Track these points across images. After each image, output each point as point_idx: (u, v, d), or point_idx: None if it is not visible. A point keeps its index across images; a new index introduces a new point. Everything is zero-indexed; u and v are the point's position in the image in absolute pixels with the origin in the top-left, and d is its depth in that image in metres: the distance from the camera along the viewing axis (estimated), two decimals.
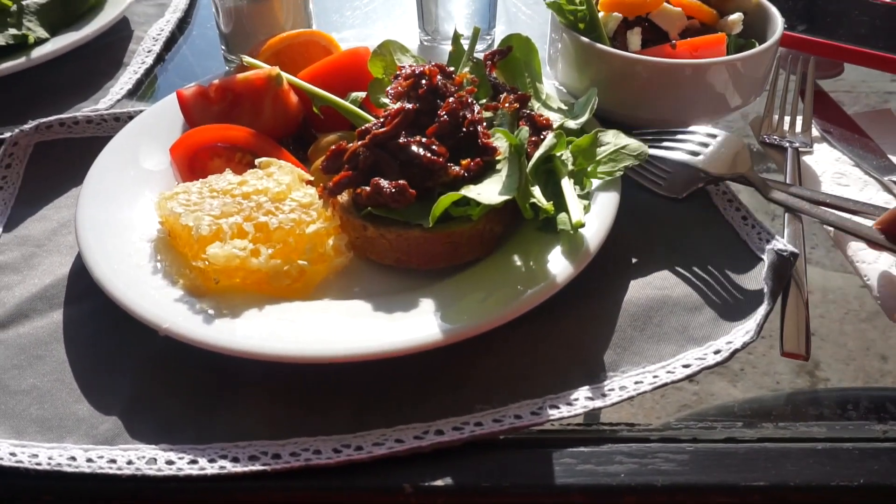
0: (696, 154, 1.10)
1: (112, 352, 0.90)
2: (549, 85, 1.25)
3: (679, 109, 1.19)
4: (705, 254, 1.03)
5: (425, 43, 1.45)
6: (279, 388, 0.85)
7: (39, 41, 1.37)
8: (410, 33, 1.50)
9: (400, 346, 0.83)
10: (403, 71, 1.09)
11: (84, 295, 0.97)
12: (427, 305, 0.89)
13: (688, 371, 0.87)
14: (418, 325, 0.86)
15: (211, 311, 0.87)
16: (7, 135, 1.22)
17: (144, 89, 1.40)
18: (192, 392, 0.85)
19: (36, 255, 1.04)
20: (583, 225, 0.91)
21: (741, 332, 0.90)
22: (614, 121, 1.20)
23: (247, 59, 1.16)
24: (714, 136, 1.10)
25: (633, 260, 1.02)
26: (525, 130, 0.96)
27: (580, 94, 1.23)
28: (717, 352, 0.88)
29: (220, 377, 0.86)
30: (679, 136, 1.16)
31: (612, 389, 0.85)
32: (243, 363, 0.84)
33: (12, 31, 1.34)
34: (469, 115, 1.01)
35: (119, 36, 1.52)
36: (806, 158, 1.21)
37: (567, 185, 0.97)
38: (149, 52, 1.48)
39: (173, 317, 0.86)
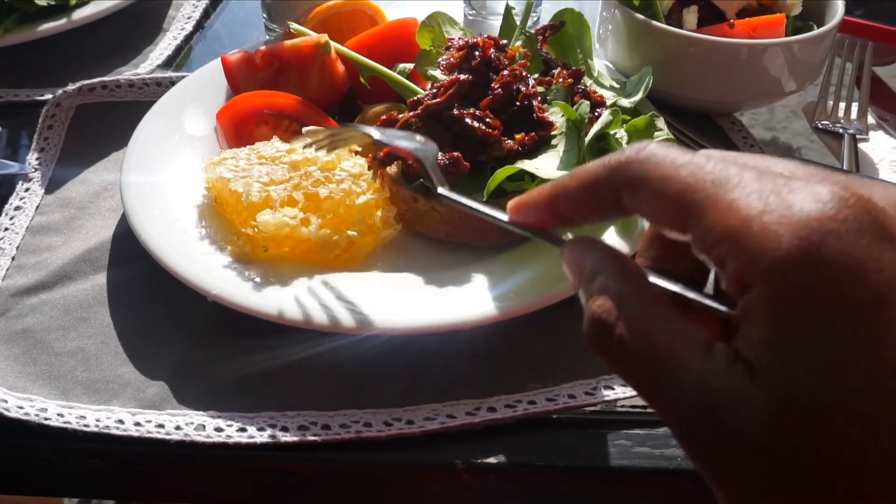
0: None
1: (157, 317, 0.89)
2: (600, 62, 1.22)
3: (732, 92, 1.16)
4: None
5: (470, 17, 1.43)
6: (329, 359, 0.83)
7: (81, 3, 1.35)
8: (455, 6, 1.47)
9: (452, 321, 0.81)
10: (455, 42, 1.07)
11: (128, 259, 0.95)
12: (479, 281, 0.87)
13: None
14: (470, 300, 0.84)
15: (259, 280, 0.86)
16: (49, 96, 1.20)
17: (183, 56, 1.38)
18: (240, 360, 0.84)
19: (78, 217, 1.03)
20: None
21: None
22: (664, 101, 1.18)
23: (294, 26, 1.14)
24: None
25: None
26: (585, 105, 0.94)
27: (631, 72, 1.20)
28: None
29: (268, 346, 0.84)
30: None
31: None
32: (292, 332, 0.83)
33: None
34: (523, 89, 0.99)
35: (158, 1, 1.49)
36: (862, 146, 1.18)
37: None
38: (188, 18, 1.46)
39: (222, 283, 0.84)
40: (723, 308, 0.42)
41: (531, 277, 0.87)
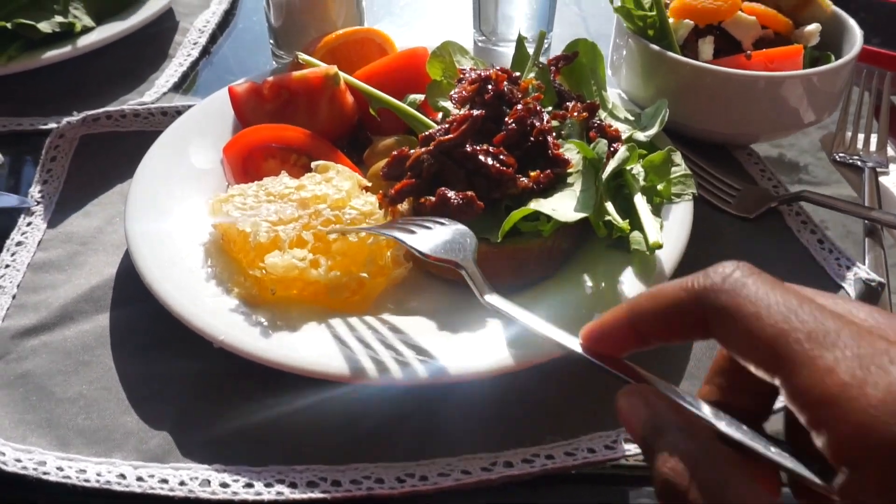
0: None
1: (161, 361, 0.86)
2: (612, 91, 1.19)
3: (749, 124, 1.14)
4: (784, 275, 0.97)
5: (480, 44, 1.41)
6: (339, 409, 0.80)
7: (85, 30, 1.33)
8: (464, 33, 1.45)
9: (468, 372, 0.78)
10: (467, 74, 1.04)
11: (132, 298, 0.93)
12: (494, 326, 0.85)
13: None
14: (486, 348, 0.81)
15: (267, 324, 0.83)
16: (53, 125, 1.18)
17: (190, 83, 1.36)
18: (246, 408, 0.81)
19: (81, 253, 1.01)
20: (660, 246, 0.86)
21: None
22: (679, 133, 1.15)
23: (303, 56, 1.12)
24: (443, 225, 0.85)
25: None
26: (603, 143, 0.91)
27: (645, 102, 1.18)
28: None
29: (276, 393, 0.82)
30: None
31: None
32: (301, 380, 0.80)
33: (59, 18, 1.30)
34: (538, 124, 0.96)
35: (164, 27, 1.48)
36: (883, 179, 1.15)
37: (641, 202, 0.92)
38: (194, 44, 1.44)
39: (228, 328, 0.82)
40: (818, 481, 0.40)
41: (550, 322, 0.84)
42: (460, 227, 0.81)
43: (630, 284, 0.88)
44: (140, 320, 0.91)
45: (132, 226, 0.93)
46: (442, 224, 0.81)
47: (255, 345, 0.80)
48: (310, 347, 0.80)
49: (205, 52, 1.45)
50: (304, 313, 0.86)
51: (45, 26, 1.28)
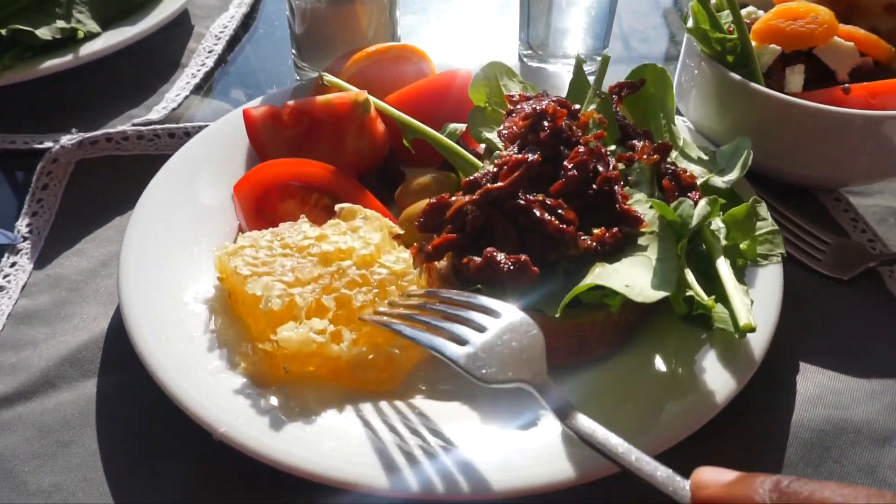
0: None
1: (154, 443, 0.73)
2: (681, 125, 1.04)
3: (841, 167, 0.98)
4: (887, 358, 0.82)
5: (525, 60, 1.25)
6: None
7: (89, 36, 1.20)
8: (508, 44, 1.30)
9: (517, 486, 0.64)
10: (518, 107, 0.90)
11: (123, 361, 0.80)
12: (546, 420, 0.70)
13: None
14: (540, 449, 0.67)
15: (278, 412, 0.69)
16: (49, 144, 1.05)
17: (203, 95, 1.23)
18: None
19: (70, 301, 0.88)
20: (753, 329, 0.71)
21: None
22: (756, 173, 1.00)
23: (329, 77, 0.98)
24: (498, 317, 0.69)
25: (800, 364, 0.82)
26: (688, 205, 0.76)
27: (716, 136, 1.03)
28: None
29: (285, 490, 0.68)
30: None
31: None
32: (317, 484, 0.66)
33: (60, 23, 1.17)
34: (602, 169, 0.82)
35: (178, 31, 1.34)
36: None
37: (726, 269, 0.77)
38: (210, 52, 1.30)
39: (231, 416, 0.68)
40: None
41: (613, 419, 0.70)
42: (520, 318, 0.66)
43: (713, 371, 0.73)
44: (131, 389, 0.78)
45: (126, 279, 0.80)
46: (496, 315, 0.66)
47: (262, 441, 0.67)
48: (329, 446, 0.67)
49: (221, 60, 1.31)
50: (322, 396, 0.72)
51: (44, 32, 1.15)
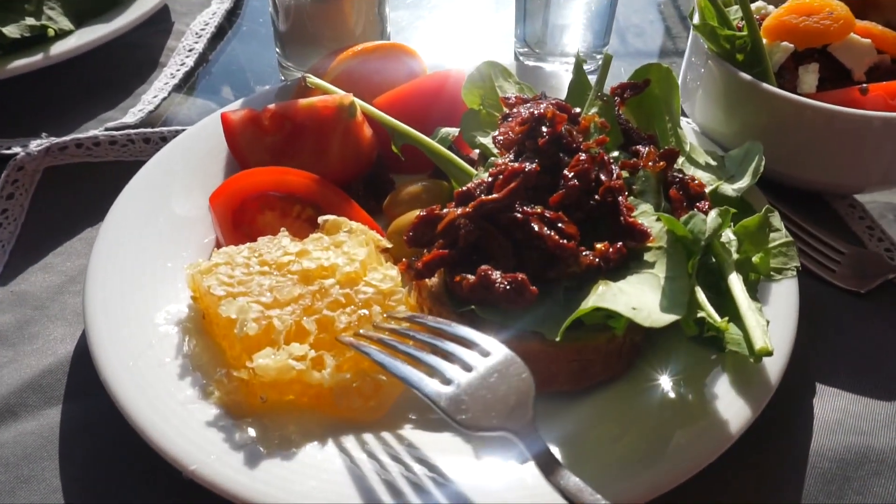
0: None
1: (121, 478, 0.68)
2: (687, 128, 0.98)
3: (857, 172, 0.93)
4: None
5: (522, 58, 1.20)
6: None
7: (62, 34, 1.14)
8: (503, 42, 1.25)
9: None
10: (515, 110, 0.84)
11: (89, 387, 0.74)
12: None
13: None
14: (535, 485, 0.61)
15: (254, 445, 0.64)
16: (16, 151, 0.99)
17: (183, 96, 1.17)
18: None
19: (34, 321, 0.82)
20: (770, 353, 0.65)
21: None
22: (764, 177, 0.94)
23: (312, 79, 0.92)
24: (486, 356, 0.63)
25: (817, 386, 0.76)
26: (701, 220, 0.70)
27: (724, 139, 0.97)
28: None
29: None
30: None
31: None
32: None
33: (30, 20, 1.11)
34: (605, 178, 0.76)
35: (157, 29, 1.28)
36: None
37: (739, 289, 0.71)
38: (190, 50, 1.24)
39: (202, 452, 0.63)
40: None
41: (617, 451, 0.65)
42: (510, 358, 0.60)
43: (725, 397, 0.68)
44: (97, 419, 0.72)
45: (92, 299, 0.74)
46: (485, 353, 0.61)
47: (238, 479, 0.61)
48: (310, 485, 0.61)
49: (202, 59, 1.25)
50: (303, 427, 0.66)
51: (12, 30, 1.08)
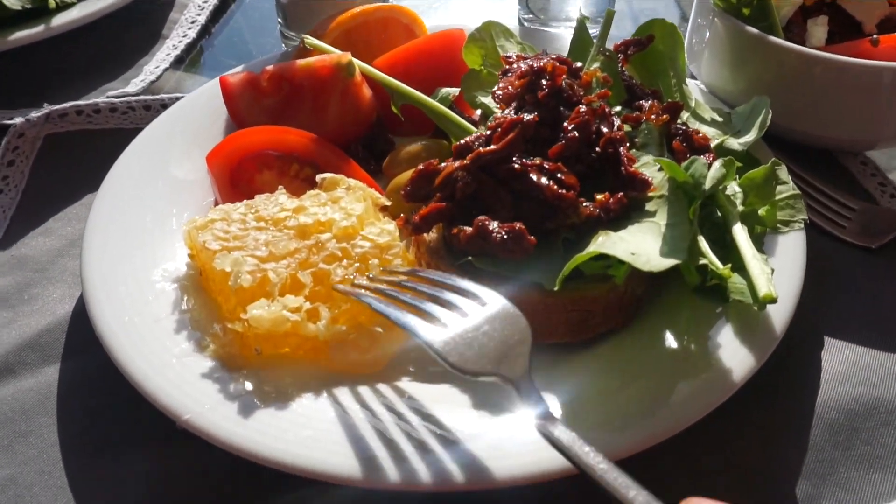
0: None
1: (117, 433, 0.68)
2: (693, 86, 0.96)
3: (868, 127, 0.90)
4: None
5: (526, 24, 1.18)
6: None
7: (63, 5, 1.14)
8: (507, 10, 1.23)
9: (512, 475, 0.58)
10: (515, 65, 0.83)
11: (87, 345, 0.73)
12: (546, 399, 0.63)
13: None
14: (535, 437, 0.60)
15: (249, 397, 0.63)
16: (15, 120, 0.99)
17: (185, 68, 1.16)
18: (220, 498, 0.62)
19: (34, 283, 0.82)
20: (774, 300, 0.63)
21: None
22: (776, 136, 0.92)
23: (310, 40, 0.91)
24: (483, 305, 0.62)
25: (825, 339, 0.75)
26: (702, 164, 0.69)
27: (732, 98, 0.95)
28: None
29: (259, 482, 0.63)
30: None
31: None
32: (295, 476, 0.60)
33: None
34: (606, 130, 0.74)
35: (159, 2, 1.28)
36: None
37: (743, 237, 0.69)
38: (192, 22, 1.24)
39: (196, 402, 0.62)
40: None
41: (618, 401, 0.63)
42: (508, 308, 0.59)
43: (729, 347, 0.66)
44: (94, 374, 0.72)
45: (89, 258, 0.74)
46: (482, 302, 0.60)
47: (230, 429, 0.60)
48: (303, 435, 0.60)
49: (204, 31, 1.24)
50: (298, 380, 0.66)
51: (13, 2, 1.09)
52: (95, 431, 0.68)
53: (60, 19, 1.12)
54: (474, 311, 0.60)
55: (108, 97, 1.02)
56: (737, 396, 0.64)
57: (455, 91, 0.90)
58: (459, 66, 0.91)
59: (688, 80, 0.93)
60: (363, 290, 0.65)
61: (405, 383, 0.68)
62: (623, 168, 0.72)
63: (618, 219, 0.70)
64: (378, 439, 0.60)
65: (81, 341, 0.75)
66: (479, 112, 0.90)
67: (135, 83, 1.09)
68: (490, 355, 0.57)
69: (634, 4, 1.35)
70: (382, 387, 0.67)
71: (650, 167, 0.73)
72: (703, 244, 0.68)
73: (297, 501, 0.62)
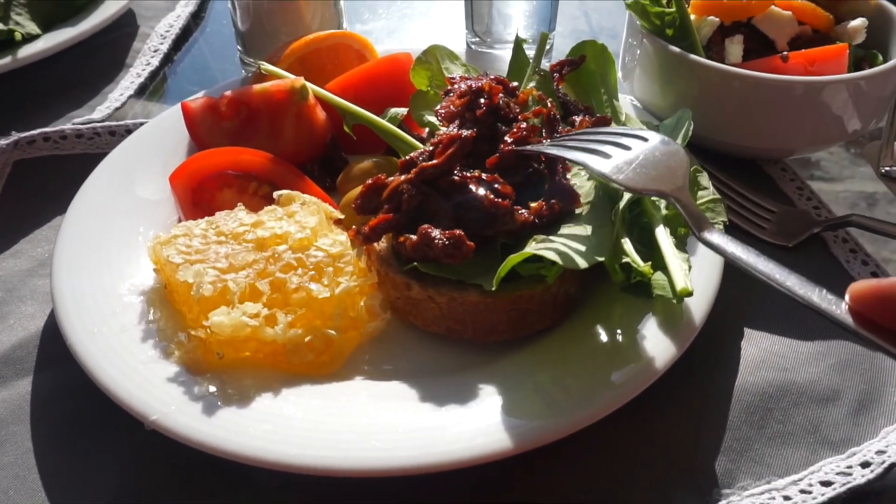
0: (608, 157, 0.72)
1: (89, 441, 0.72)
2: (625, 101, 1.04)
3: (785, 136, 0.98)
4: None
5: (473, 47, 1.25)
6: (298, 498, 0.66)
7: (29, 38, 1.18)
8: (455, 34, 1.30)
9: (451, 459, 0.63)
10: (456, 86, 0.89)
11: (59, 359, 0.78)
12: (486, 395, 0.69)
13: (829, 492, 0.66)
14: (476, 425, 0.66)
15: (212, 397, 0.68)
16: None
17: (148, 95, 1.21)
18: (189, 498, 0.66)
19: (6, 301, 0.86)
20: (690, 293, 0.70)
21: None
22: (703, 147, 1.00)
23: (265, 66, 0.97)
24: (644, 140, 0.72)
25: (744, 330, 0.82)
26: None
27: (663, 112, 1.03)
28: (865, 464, 0.68)
29: (225, 479, 0.67)
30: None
31: None
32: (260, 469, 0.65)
33: None
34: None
35: (122, 32, 1.33)
36: None
37: (664, 237, 0.76)
38: (155, 51, 1.29)
39: (164, 404, 0.67)
40: None
41: (554, 390, 0.69)
42: (664, 140, 0.69)
43: (654, 338, 0.73)
44: (67, 387, 0.76)
45: (59, 274, 0.79)
46: (642, 139, 0.68)
47: (195, 427, 0.65)
48: (263, 429, 0.65)
49: (167, 59, 1.29)
50: (259, 381, 0.71)
51: None
52: (68, 437, 0.72)
53: (27, 51, 1.16)
54: (636, 144, 0.69)
55: (74, 124, 1.07)
56: (663, 382, 0.70)
57: (403, 111, 0.96)
58: (408, 88, 0.98)
59: (621, 96, 1.00)
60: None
61: (358, 381, 0.73)
62: (557, 178, 0.78)
63: (551, 225, 0.76)
64: (331, 431, 0.66)
65: (53, 355, 0.79)
66: (427, 130, 0.96)
67: (100, 110, 1.14)
68: (651, 174, 0.66)
69: (579, 27, 1.43)
70: (338, 384, 0.72)
71: (580, 177, 0.80)
72: (627, 244, 0.75)
73: (258, 493, 0.66)
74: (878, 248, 0.91)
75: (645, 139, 0.69)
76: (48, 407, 0.75)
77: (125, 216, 0.88)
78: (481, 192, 0.76)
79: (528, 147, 0.75)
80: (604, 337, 0.75)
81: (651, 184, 0.65)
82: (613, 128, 0.74)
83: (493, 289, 0.71)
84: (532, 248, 0.71)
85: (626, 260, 0.73)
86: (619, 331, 0.75)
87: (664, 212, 0.82)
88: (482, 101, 0.84)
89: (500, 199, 0.75)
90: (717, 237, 0.62)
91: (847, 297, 0.49)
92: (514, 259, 0.70)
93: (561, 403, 0.68)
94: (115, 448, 0.70)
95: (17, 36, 1.16)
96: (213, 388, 0.69)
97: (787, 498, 0.66)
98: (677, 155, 0.68)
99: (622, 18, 1.08)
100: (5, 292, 0.87)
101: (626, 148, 0.68)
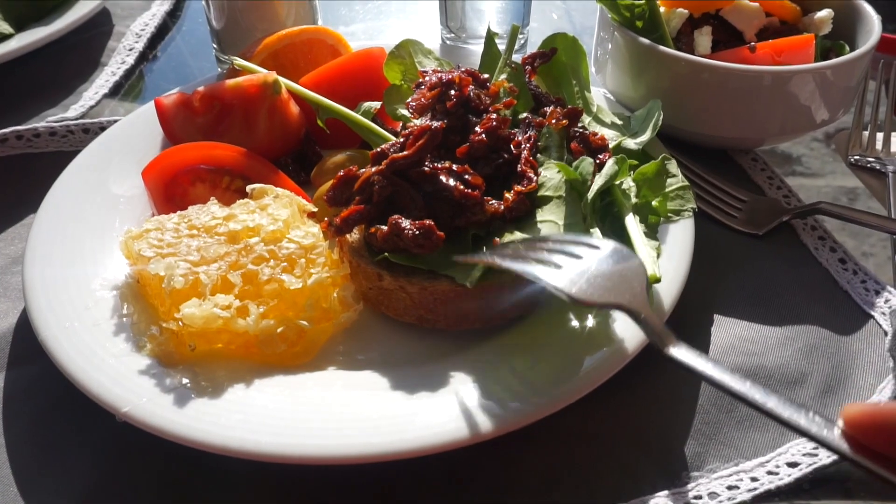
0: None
1: (62, 434, 0.72)
2: (598, 93, 1.05)
3: (754, 125, 0.99)
4: (799, 307, 0.83)
5: (448, 42, 1.26)
6: (271, 487, 0.66)
7: (2, 37, 1.18)
8: (431, 30, 1.31)
9: (424, 445, 0.64)
10: (427, 78, 0.90)
11: (32, 354, 0.77)
12: (458, 382, 0.70)
13: (796, 472, 0.67)
14: (447, 412, 0.67)
15: (185, 389, 0.68)
16: None
17: (124, 94, 1.21)
18: (163, 489, 0.66)
19: None
20: (658, 280, 0.71)
21: None
22: (674, 137, 1.01)
23: (238, 61, 0.97)
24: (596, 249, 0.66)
25: (714, 316, 0.83)
26: (588, 162, 0.77)
27: (634, 104, 1.04)
28: None
29: (198, 471, 0.67)
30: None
31: (700, 497, 0.66)
32: (233, 459, 0.65)
33: None
34: (517, 137, 0.82)
35: (97, 31, 1.33)
36: None
37: (633, 225, 0.77)
38: (130, 49, 1.29)
39: (135, 396, 0.67)
40: None
41: (524, 377, 0.70)
42: (619, 247, 0.65)
43: (624, 324, 0.74)
44: (40, 382, 0.76)
45: (31, 269, 0.79)
46: (594, 247, 0.65)
47: (166, 418, 0.65)
48: (233, 420, 0.66)
49: (143, 58, 1.29)
50: (231, 372, 0.71)
51: None
52: (41, 432, 0.72)
53: (0, 49, 1.16)
54: (587, 253, 0.64)
55: (47, 122, 1.06)
56: (633, 369, 0.71)
57: (377, 105, 0.96)
58: (381, 82, 0.98)
59: (594, 88, 1.01)
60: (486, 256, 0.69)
61: (331, 371, 0.73)
62: (519, 166, 0.79)
63: (523, 219, 0.77)
64: (303, 419, 0.66)
65: (27, 351, 0.79)
66: (401, 124, 0.97)
67: (74, 108, 1.13)
68: (606, 286, 0.61)
69: (554, 21, 1.44)
70: (310, 374, 0.72)
71: (552, 170, 0.81)
72: (597, 233, 0.75)
73: (232, 482, 0.67)
74: (844, 236, 0.93)
75: (596, 247, 0.65)
76: (22, 401, 0.75)
77: (98, 212, 0.88)
78: (451, 182, 0.76)
79: (473, 256, 0.70)
80: (575, 326, 0.75)
81: (606, 295, 0.61)
82: (562, 235, 0.69)
83: (470, 286, 0.71)
84: (504, 238, 0.72)
85: None
86: (589, 321, 0.76)
87: (635, 200, 0.83)
88: (452, 92, 0.84)
89: (469, 190, 0.76)
90: (684, 353, 0.57)
91: (840, 422, 0.47)
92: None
93: (532, 388, 0.68)
94: (89, 443, 0.70)
95: None
96: (185, 380, 0.69)
97: (754, 479, 0.67)
98: (633, 265, 0.63)
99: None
100: None
101: (577, 257, 0.64)
